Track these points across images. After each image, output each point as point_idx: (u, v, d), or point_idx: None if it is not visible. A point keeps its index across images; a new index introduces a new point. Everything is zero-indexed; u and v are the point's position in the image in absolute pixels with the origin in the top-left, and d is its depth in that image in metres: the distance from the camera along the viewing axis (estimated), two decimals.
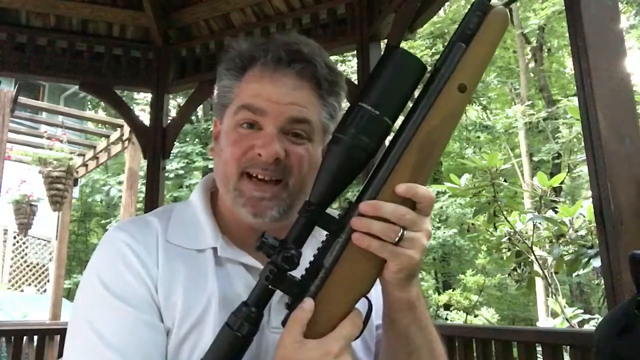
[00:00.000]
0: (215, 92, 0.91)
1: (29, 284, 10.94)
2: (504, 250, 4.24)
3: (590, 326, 4.39)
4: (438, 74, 0.70)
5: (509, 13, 0.72)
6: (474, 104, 16.22)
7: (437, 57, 0.74)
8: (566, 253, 3.62)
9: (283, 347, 0.69)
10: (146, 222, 0.87)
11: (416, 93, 0.74)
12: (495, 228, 4.42)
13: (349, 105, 0.72)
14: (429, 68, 0.69)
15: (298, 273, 0.72)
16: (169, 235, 0.85)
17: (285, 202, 0.82)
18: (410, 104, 0.74)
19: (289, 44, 0.84)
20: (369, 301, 0.74)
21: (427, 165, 0.70)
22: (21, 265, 11.01)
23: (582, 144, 2.35)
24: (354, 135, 0.69)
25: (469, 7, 0.72)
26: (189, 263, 0.83)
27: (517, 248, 3.94)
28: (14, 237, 10.86)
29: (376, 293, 0.76)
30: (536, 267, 4.09)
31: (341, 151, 0.70)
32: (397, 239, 0.68)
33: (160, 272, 0.81)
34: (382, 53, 0.72)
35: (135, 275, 0.79)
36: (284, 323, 0.71)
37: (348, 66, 13.18)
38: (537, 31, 14.86)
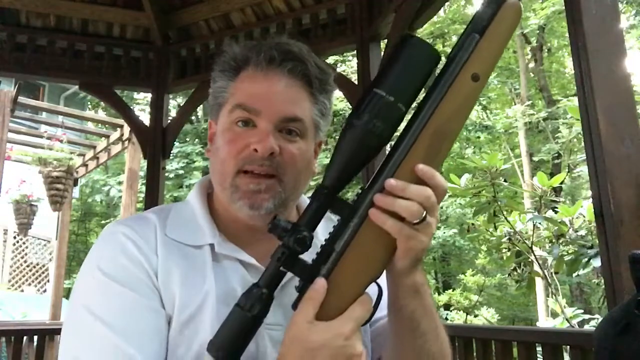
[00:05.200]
0: (210, 93, 0.94)
1: (29, 284, 10.93)
2: (504, 250, 4.24)
3: (590, 326, 4.38)
4: (452, 62, 0.71)
5: (522, 6, 0.73)
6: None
7: (451, 47, 0.74)
8: (566, 253, 3.61)
9: (295, 327, 0.70)
10: (144, 217, 0.89)
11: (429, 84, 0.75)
12: (495, 228, 4.42)
13: (364, 91, 0.72)
14: (444, 58, 0.70)
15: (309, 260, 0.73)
16: (167, 230, 0.87)
17: (280, 196, 0.84)
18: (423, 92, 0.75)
19: (279, 44, 0.87)
20: (379, 287, 0.75)
21: (439, 153, 0.71)
22: (21, 265, 11.00)
23: (582, 144, 2.35)
24: (368, 120, 0.69)
25: (481, 1, 0.73)
26: (187, 258, 0.84)
27: (517, 248, 3.94)
28: (14, 237, 10.84)
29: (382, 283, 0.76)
30: (536, 267, 4.09)
31: (355, 136, 0.70)
32: (419, 220, 0.68)
33: (159, 261, 0.82)
34: (397, 41, 0.72)
35: (135, 263, 0.81)
36: (295, 305, 0.71)
37: (348, 66, 13.19)
38: (537, 31, 14.86)
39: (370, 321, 0.89)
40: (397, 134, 0.74)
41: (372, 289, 0.73)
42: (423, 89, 0.74)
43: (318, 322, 0.69)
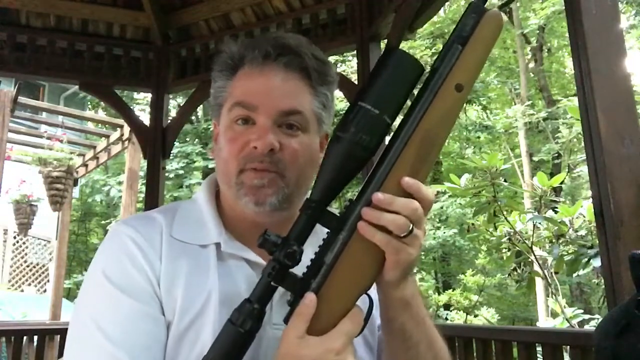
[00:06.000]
0: (211, 94, 0.94)
1: (29, 284, 10.94)
2: (504, 250, 4.24)
3: (590, 326, 4.38)
4: (436, 74, 0.72)
5: (503, 16, 0.74)
6: (474, 104, 16.21)
7: (435, 57, 0.75)
8: (566, 253, 3.61)
9: (286, 342, 0.70)
10: (150, 218, 0.89)
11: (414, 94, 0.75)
12: (495, 228, 4.42)
13: (349, 104, 0.73)
14: (427, 69, 0.70)
15: (299, 271, 0.73)
16: (173, 231, 0.87)
17: (284, 191, 0.84)
18: (408, 104, 0.76)
19: (276, 38, 0.87)
20: (370, 298, 0.75)
21: (426, 162, 0.72)
22: (21, 265, 11.01)
23: (582, 144, 2.35)
24: (354, 133, 0.70)
25: (465, 9, 0.74)
26: (191, 258, 0.84)
27: (517, 248, 3.94)
28: (14, 237, 10.85)
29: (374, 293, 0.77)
30: (536, 267, 4.09)
31: (342, 149, 0.71)
32: (405, 233, 0.69)
33: (163, 266, 0.82)
34: (381, 54, 0.73)
35: (138, 269, 0.81)
36: (286, 320, 0.72)
37: (348, 66, 13.19)
38: (537, 31, 14.86)
39: (377, 325, 0.90)
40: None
41: (363, 300, 0.73)
42: (408, 101, 0.75)
43: (309, 337, 0.69)
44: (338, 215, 0.73)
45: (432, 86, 0.71)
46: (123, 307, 0.78)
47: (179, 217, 0.90)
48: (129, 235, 0.84)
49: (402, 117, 0.74)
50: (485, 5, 0.74)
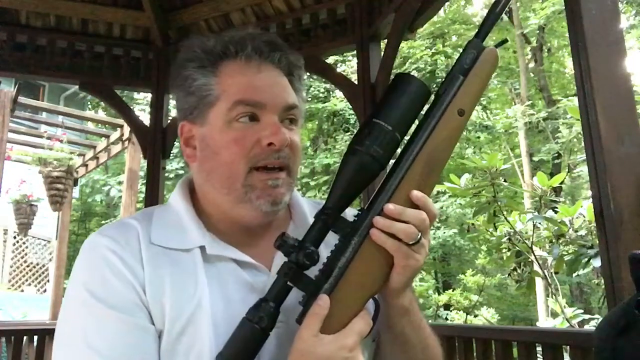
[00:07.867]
0: (189, 93, 0.87)
1: (29, 284, 10.94)
2: (504, 250, 4.24)
3: (590, 326, 4.38)
4: (440, 99, 0.80)
5: (498, 53, 0.83)
6: None
7: (440, 82, 0.88)
8: (566, 253, 3.61)
9: (301, 341, 0.73)
10: (126, 224, 0.86)
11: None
12: (495, 228, 4.42)
13: (364, 120, 0.81)
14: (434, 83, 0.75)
15: (311, 275, 0.77)
16: (152, 236, 0.84)
17: (292, 187, 0.88)
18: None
19: (261, 34, 0.89)
20: (376, 301, 0.80)
21: (431, 177, 0.79)
22: (21, 265, 11.00)
23: (582, 144, 2.35)
24: (369, 146, 0.76)
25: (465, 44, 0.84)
26: (175, 263, 0.82)
27: (517, 248, 3.94)
28: (14, 237, 10.85)
29: None
30: (536, 267, 4.09)
31: (357, 161, 0.77)
32: (414, 241, 0.74)
33: (146, 273, 0.80)
34: (393, 78, 0.84)
35: (121, 279, 0.78)
36: (299, 320, 0.75)
37: (348, 66, 13.19)
38: (537, 31, 14.86)
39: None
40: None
41: (369, 303, 0.78)
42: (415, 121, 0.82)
43: (323, 336, 0.73)
44: (350, 222, 0.78)
45: (437, 110, 0.79)
46: (110, 322, 0.76)
47: (156, 222, 0.86)
48: (106, 246, 0.81)
49: (410, 136, 0.81)
50: (483, 44, 0.82)
